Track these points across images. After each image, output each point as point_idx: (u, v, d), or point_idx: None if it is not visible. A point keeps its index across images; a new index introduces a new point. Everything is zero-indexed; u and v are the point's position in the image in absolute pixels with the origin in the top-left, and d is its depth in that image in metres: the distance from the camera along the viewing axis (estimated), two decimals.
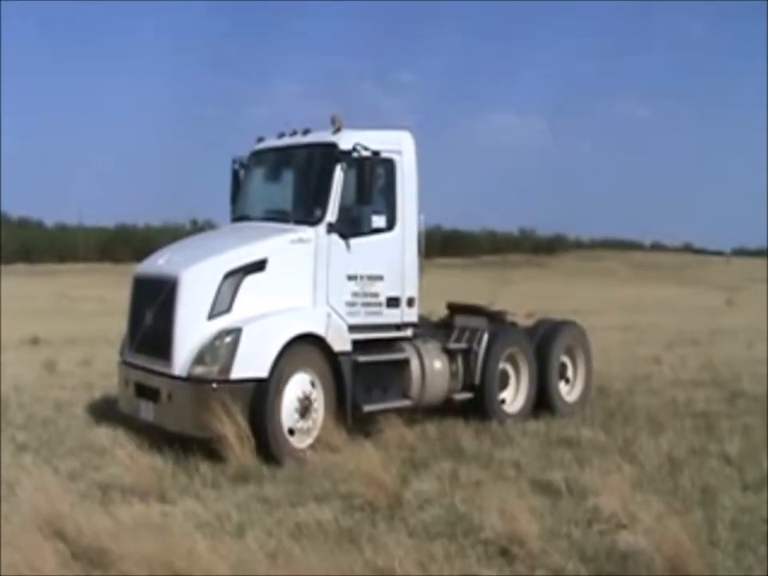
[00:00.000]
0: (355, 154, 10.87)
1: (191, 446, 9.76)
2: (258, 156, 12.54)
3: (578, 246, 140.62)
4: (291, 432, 10.18)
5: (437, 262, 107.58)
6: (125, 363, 11.22)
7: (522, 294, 48.42)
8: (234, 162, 12.86)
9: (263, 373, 9.93)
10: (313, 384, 10.42)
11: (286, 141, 11.99)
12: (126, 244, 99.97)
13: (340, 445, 9.94)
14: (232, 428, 9.40)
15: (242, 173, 12.79)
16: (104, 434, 10.75)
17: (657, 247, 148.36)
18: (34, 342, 23.83)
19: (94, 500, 8.19)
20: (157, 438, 10.05)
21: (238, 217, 12.38)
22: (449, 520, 7.89)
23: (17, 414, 12.39)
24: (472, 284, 59.95)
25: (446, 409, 12.29)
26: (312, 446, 10.23)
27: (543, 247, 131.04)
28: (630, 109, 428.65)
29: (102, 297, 45.25)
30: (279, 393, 10.07)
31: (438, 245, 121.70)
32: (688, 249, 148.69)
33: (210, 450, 9.54)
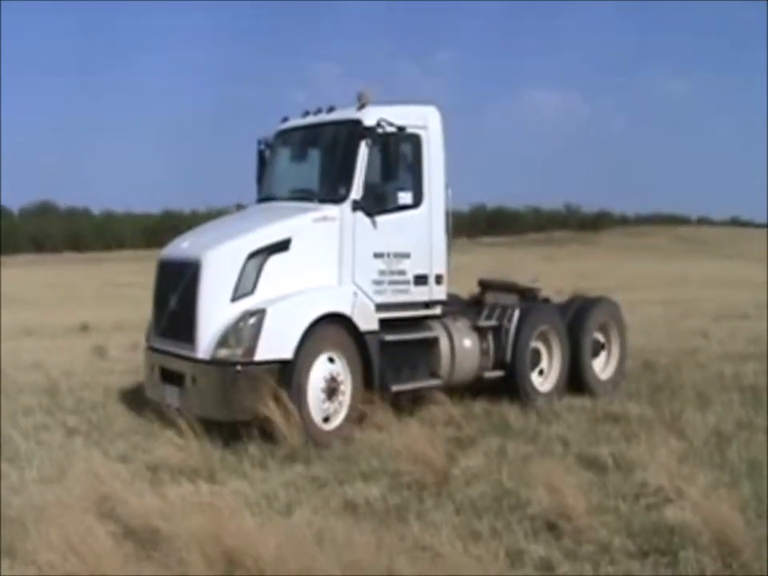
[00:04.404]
0: (380, 130, 10.73)
1: (239, 428, 9.80)
2: (283, 136, 12.43)
3: (624, 221, 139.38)
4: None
5: (482, 241, 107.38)
6: (150, 348, 11.21)
7: (567, 271, 48.22)
8: (259, 142, 12.76)
9: (288, 354, 9.85)
10: (337, 363, 10.32)
11: (311, 119, 11.87)
12: (173, 230, 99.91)
13: (387, 423, 9.95)
14: (279, 409, 9.46)
15: (267, 153, 12.70)
16: (152, 417, 10.83)
17: (704, 221, 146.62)
18: (84, 328, 24.09)
19: (144, 481, 8.27)
20: (205, 420, 10.12)
21: (264, 197, 12.29)
22: (496, 496, 7.95)
23: (67, 398, 12.56)
24: (517, 262, 59.69)
25: (491, 386, 12.24)
26: (339, 428, 10.21)
27: (588, 224, 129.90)
28: (671, 82, 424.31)
29: (149, 283, 45.63)
30: (305, 374, 10.03)
31: (483, 223, 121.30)
32: (735, 222, 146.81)
33: (259, 431, 9.61)
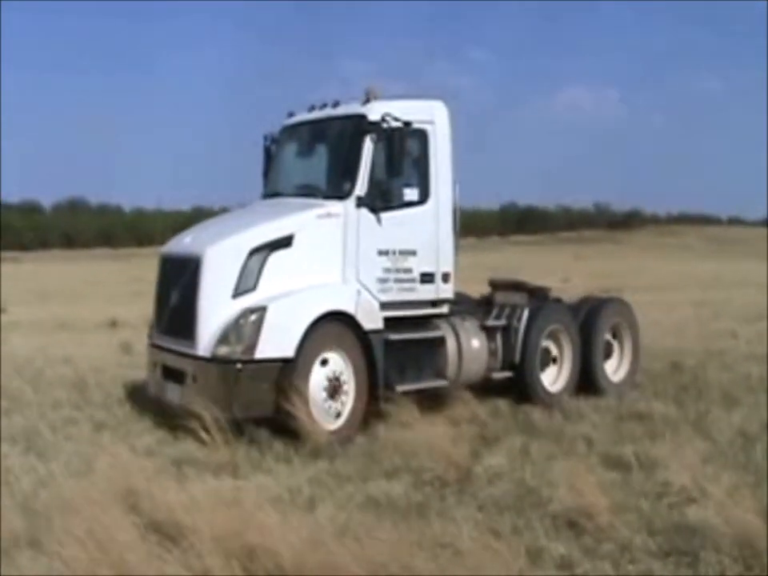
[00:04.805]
0: (385, 125, 10.58)
1: (264, 423, 9.83)
2: (288, 131, 12.30)
3: (655, 220, 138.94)
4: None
5: (512, 240, 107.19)
6: (152, 345, 11.15)
7: (598, 271, 48.04)
8: (265, 138, 12.63)
9: (289, 352, 9.74)
10: (339, 363, 10.20)
11: (316, 114, 11.72)
12: None
13: (411, 421, 9.89)
14: (303, 406, 9.49)
15: (273, 149, 12.55)
16: (178, 412, 10.91)
17: (734, 221, 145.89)
18: (113, 324, 24.20)
19: (169, 475, 8.33)
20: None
21: (269, 193, 12.17)
22: (518, 494, 7.97)
23: (95, 393, 12.64)
24: (546, 261, 59.58)
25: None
26: (341, 429, 10.10)
27: (619, 223, 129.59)
28: (704, 81, 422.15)
29: None
30: (306, 373, 9.90)
31: (513, 222, 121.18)
32: (766, 222, 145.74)
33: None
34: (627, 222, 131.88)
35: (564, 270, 44.76)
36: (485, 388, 11.85)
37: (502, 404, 11.77)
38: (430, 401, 10.93)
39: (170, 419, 10.22)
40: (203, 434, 8.95)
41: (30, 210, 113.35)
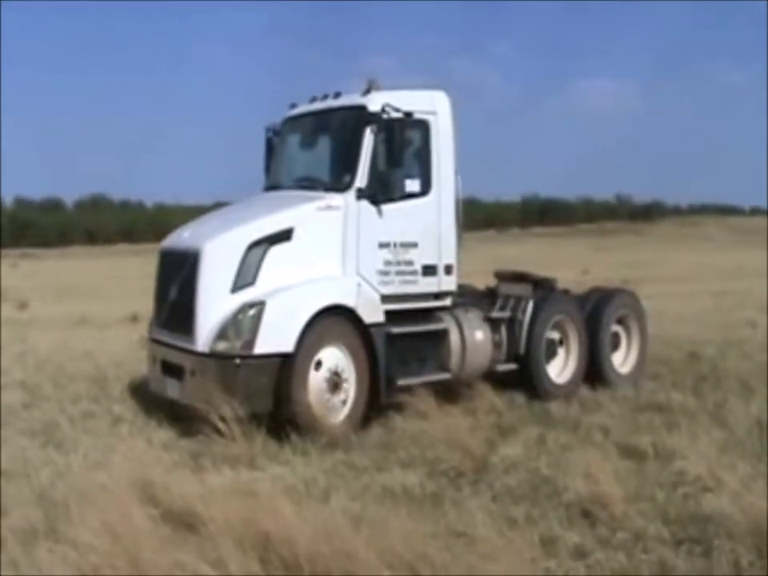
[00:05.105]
0: (385, 116, 10.45)
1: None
2: (290, 122, 12.20)
3: (677, 211, 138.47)
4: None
5: (532, 231, 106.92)
6: (152, 340, 11.14)
7: (617, 262, 47.86)
8: (267, 130, 12.53)
9: (288, 347, 9.64)
10: (340, 357, 10.11)
11: (317, 105, 11.62)
12: None
13: (428, 411, 9.87)
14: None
15: (275, 140, 12.45)
16: (196, 405, 10.94)
17: (756, 211, 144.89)
18: (133, 319, 24.28)
19: (186, 468, 8.37)
20: None
21: (271, 186, 12.07)
22: (533, 484, 8.01)
23: (115, 387, 12.70)
24: (566, 253, 59.47)
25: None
26: (343, 422, 10.02)
27: (640, 214, 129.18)
28: (726, 73, 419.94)
29: None
30: (306, 368, 9.81)
31: (534, 214, 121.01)
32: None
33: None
34: (648, 213, 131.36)
35: (584, 261, 44.69)
36: (501, 379, 11.83)
37: (519, 395, 11.78)
38: (447, 392, 10.94)
39: (188, 413, 10.26)
40: (221, 427, 8.97)
41: (53, 206, 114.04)
